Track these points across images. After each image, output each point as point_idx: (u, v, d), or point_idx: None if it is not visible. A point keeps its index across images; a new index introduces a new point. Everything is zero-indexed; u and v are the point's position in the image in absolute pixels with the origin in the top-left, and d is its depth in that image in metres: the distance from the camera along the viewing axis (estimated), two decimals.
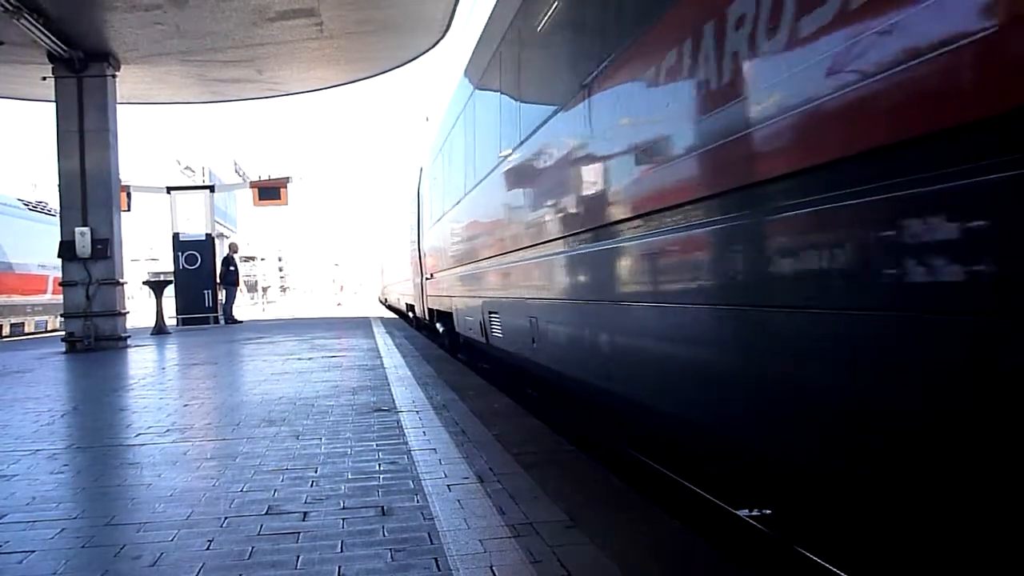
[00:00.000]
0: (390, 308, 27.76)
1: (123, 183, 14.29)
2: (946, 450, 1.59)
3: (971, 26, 1.49)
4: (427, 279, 12.54)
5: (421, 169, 14.04)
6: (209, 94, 15.12)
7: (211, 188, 18.82)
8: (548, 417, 5.24)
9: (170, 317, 16.54)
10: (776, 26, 2.11)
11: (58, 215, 12.42)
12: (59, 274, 12.05)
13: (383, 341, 11.03)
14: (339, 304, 38.40)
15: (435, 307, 11.78)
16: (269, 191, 18.75)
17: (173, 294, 17.26)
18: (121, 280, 11.88)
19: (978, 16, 1.49)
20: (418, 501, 2.83)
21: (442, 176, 10.39)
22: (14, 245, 20.04)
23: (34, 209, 22.41)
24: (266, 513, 2.75)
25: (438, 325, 11.93)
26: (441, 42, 13.12)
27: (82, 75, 11.50)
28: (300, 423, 4.54)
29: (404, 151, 23.06)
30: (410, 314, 17.21)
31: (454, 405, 5.03)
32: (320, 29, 11.44)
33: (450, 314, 10.07)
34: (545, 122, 4.81)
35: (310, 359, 8.64)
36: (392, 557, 2.26)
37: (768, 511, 3.45)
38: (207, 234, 17.92)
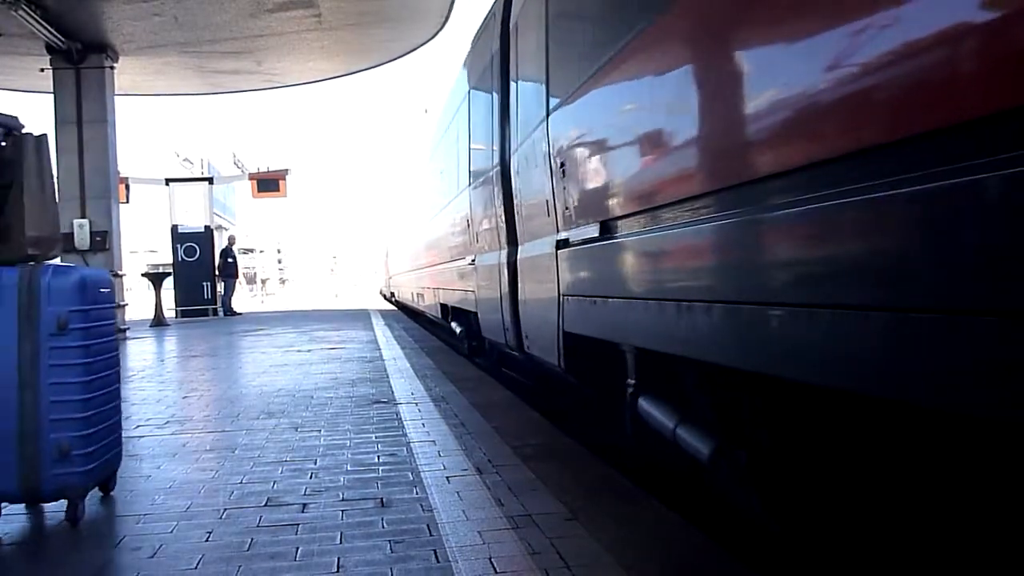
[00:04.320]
0: (398, 306, 21.41)
1: (121, 175, 14.27)
2: None
3: None
4: (566, 244, 3.91)
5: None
6: (208, 86, 15.09)
7: (210, 180, 18.78)
8: (547, 410, 5.24)
9: (169, 309, 16.53)
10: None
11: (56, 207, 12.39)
12: None
13: (382, 333, 11.03)
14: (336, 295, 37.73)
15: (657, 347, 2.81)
16: (268, 183, 18.72)
17: (172, 286, 17.26)
18: (120, 272, 11.86)
19: None
20: (417, 493, 2.84)
21: None
22: None
23: None
24: (265, 505, 2.75)
25: (652, 413, 3.13)
26: (439, 34, 13.09)
27: (80, 66, 11.46)
28: (299, 415, 4.54)
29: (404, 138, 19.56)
30: (452, 325, 9.15)
31: (453, 397, 5.03)
32: (319, 20, 11.40)
33: None
34: None
35: (309, 351, 8.64)
36: (391, 549, 2.27)
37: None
38: (206, 226, 17.89)
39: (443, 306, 9.77)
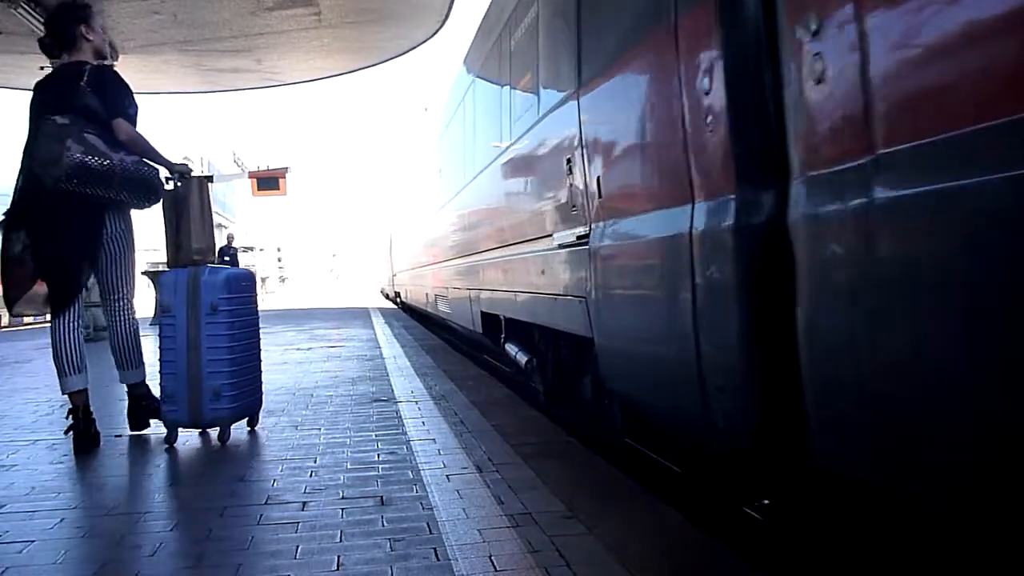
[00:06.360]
0: (404, 308, 18.32)
1: None
2: None
3: None
4: None
5: None
6: (207, 84, 15.07)
7: (209, 178, 18.74)
8: (547, 408, 5.24)
9: None
10: None
11: None
12: None
13: (382, 332, 11.03)
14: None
15: None
16: (268, 181, 18.73)
17: None
18: None
19: None
20: (417, 491, 2.84)
21: None
22: None
23: None
24: (265, 503, 2.75)
25: None
26: (439, 32, 13.08)
27: None
28: (299, 413, 4.54)
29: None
30: (508, 348, 5.79)
31: (453, 395, 5.03)
32: (318, 19, 11.39)
33: None
34: None
35: (309, 349, 8.64)
36: (391, 547, 2.26)
37: (767, 501, 3.46)
38: None
39: (485, 315, 6.56)
